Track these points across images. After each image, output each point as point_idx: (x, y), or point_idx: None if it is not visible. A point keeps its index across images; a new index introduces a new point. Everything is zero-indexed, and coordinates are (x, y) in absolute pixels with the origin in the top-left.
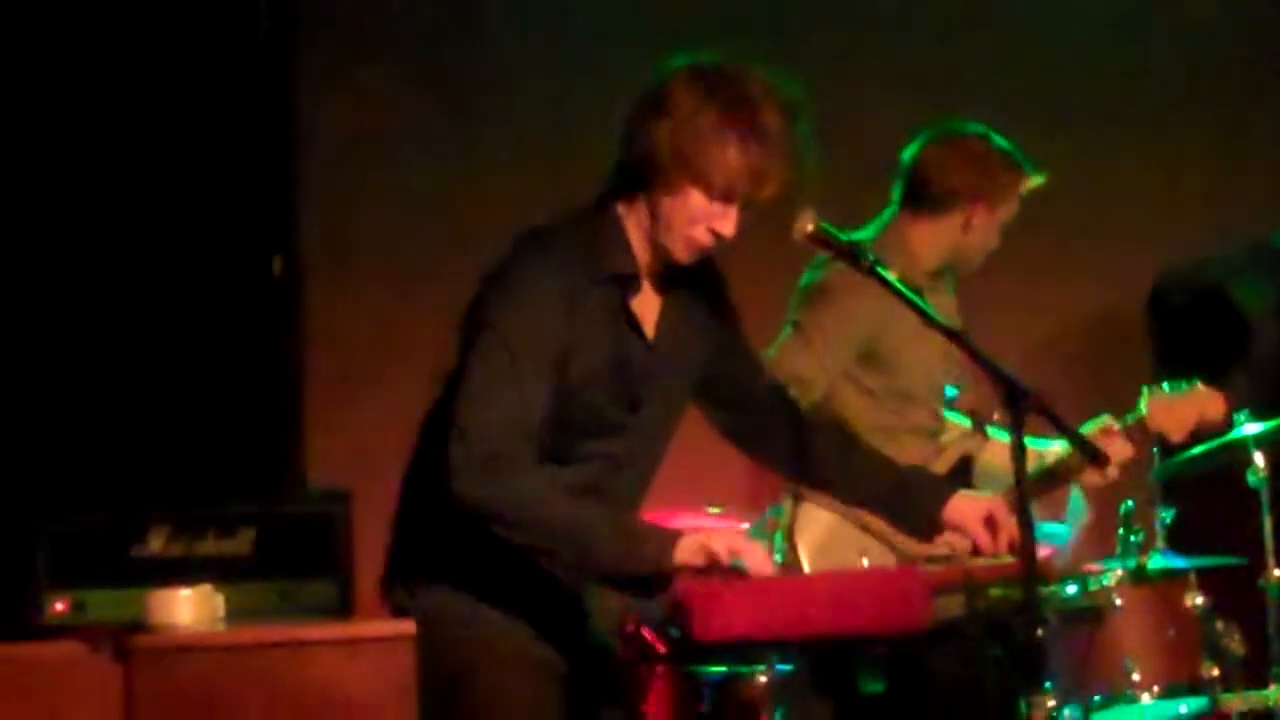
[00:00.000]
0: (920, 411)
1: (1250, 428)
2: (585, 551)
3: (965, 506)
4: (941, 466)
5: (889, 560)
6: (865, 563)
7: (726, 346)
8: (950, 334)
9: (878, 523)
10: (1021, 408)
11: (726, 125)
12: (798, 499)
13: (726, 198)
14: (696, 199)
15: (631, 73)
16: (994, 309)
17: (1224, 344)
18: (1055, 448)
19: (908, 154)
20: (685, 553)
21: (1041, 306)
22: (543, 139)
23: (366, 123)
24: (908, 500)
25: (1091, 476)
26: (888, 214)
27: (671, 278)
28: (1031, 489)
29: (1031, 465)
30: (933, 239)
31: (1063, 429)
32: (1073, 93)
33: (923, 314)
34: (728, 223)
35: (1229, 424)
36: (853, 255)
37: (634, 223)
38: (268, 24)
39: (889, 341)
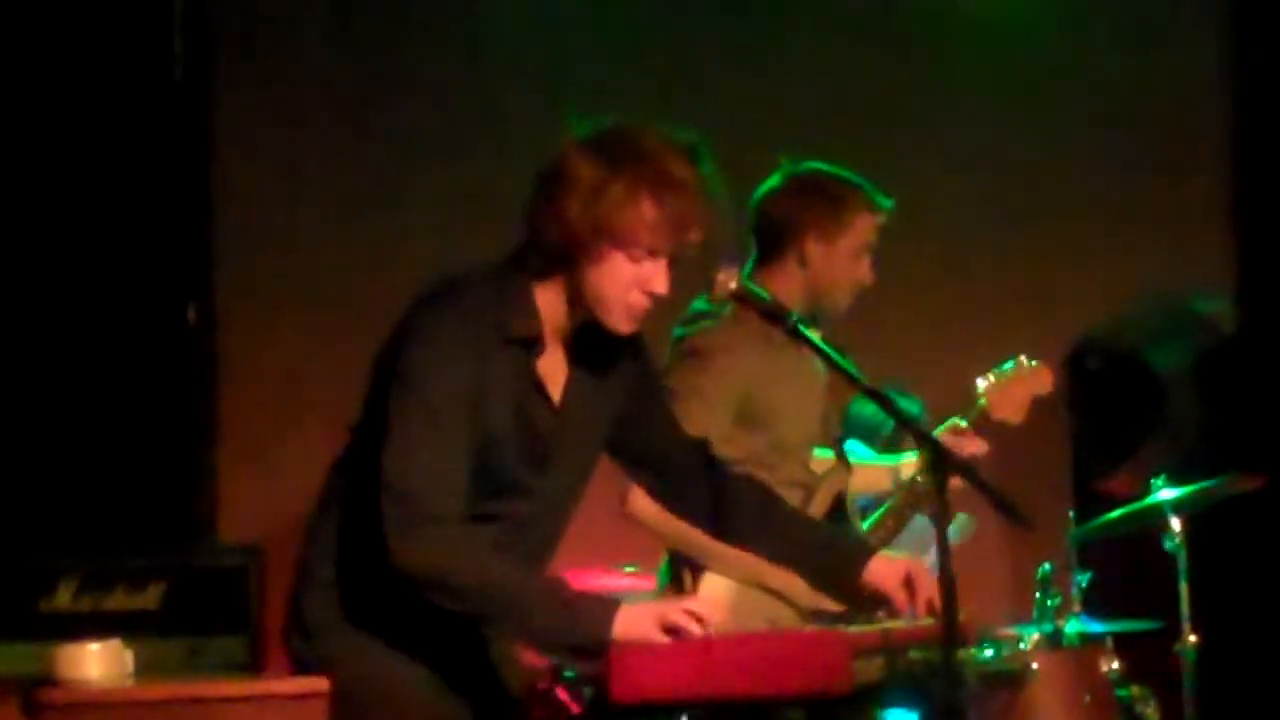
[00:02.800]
0: (793, 465)
1: (1166, 492)
2: (522, 622)
3: (884, 569)
4: (817, 510)
5: (794, 620)
6: (768, 626)
7: (641, 408)
8: (876, 396)
9: (777, 584)
10: (944, 468)
11: (636, 184)
12: (695, 571)
13: (654, 253)
14: (623, 264)
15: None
16: (913, 367)
17: (1140, 407)
18: (908, 461)
19: (751, 204)
20: (623, 628)
21: (960, 367)
22: (460, 192)
23: (282, 171)
24: (829, 561)
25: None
26: (745, 271)
27: (581, 341)
28: (903, 513)
29: (897, 485)
30: (785, 284)
31: (982, 488)
32: (1001, 158)
33: (848, 375)
34: (660, 279)
35: (1139, 483)
36: (775, 315)
37: (543, 290)
38: (184, 70)
39: (765, 397)
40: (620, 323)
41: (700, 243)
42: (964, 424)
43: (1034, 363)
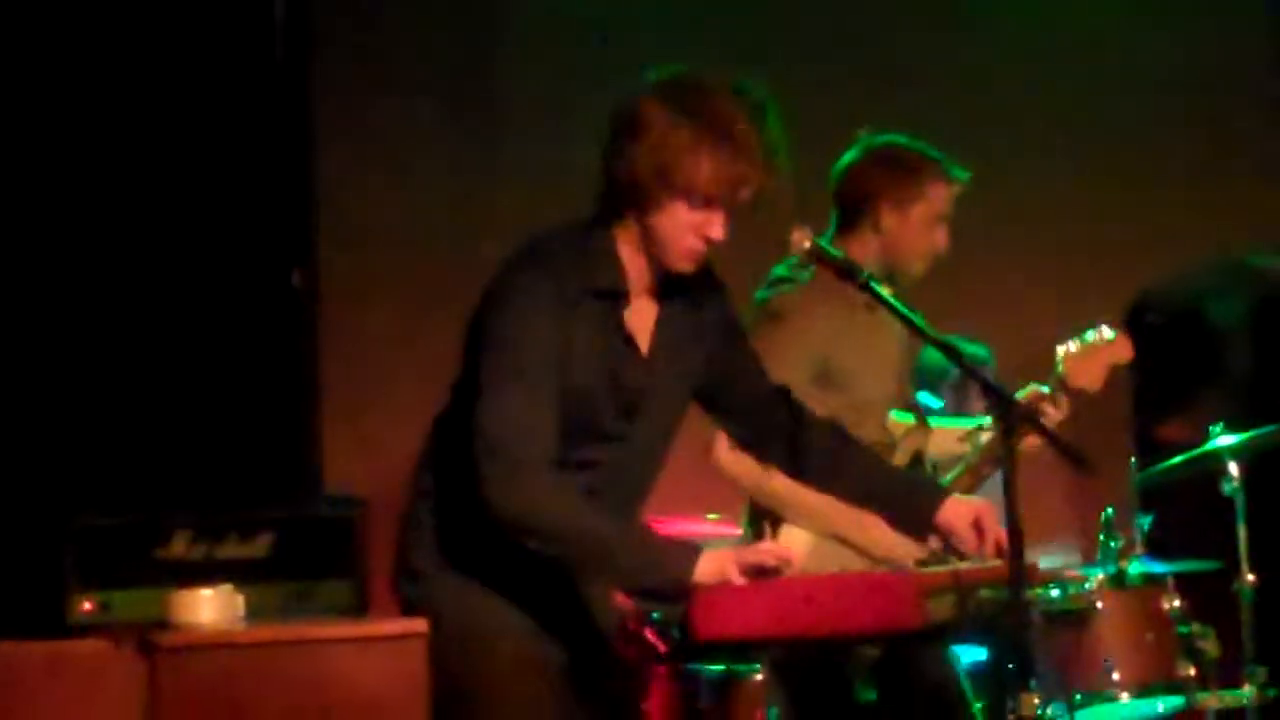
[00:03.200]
0: (871, 425)
1: (1225, 439)
2: (608, 564)
3: (957, 509)
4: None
5: (864, 567)
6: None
7: (726, 356)
8: (945, 348)
9: (852, 536)
10: (1012, 418)
11: (698, 136)
12: (775, 523)
13: (709, 204)
14: (682, 210)
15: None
16: (983, 324)
17: (1199, 360)
18: (988, 424)
19: (832, 175)
20: (704, 573)
21: (1028, 323)
22: (553, 158)
23: (382, 141)
24: (905, 501)
25: (1029, 449)
26: (825, 238)
27: (668, 292)
28: (980, 471)
29: (969, 446)
30: (861, 251)
31: (1049, 437)
32: (1064, 120)
33: (916, 328)
34: (716, 227)
35: (1198, 430)
36: (848, 271)
37: (625, 240)
38: (286, 43)
39: (841, 358)
40: (678, 262)
41: (757, 199)
42: (1045, 390)
43: (1113, 332)
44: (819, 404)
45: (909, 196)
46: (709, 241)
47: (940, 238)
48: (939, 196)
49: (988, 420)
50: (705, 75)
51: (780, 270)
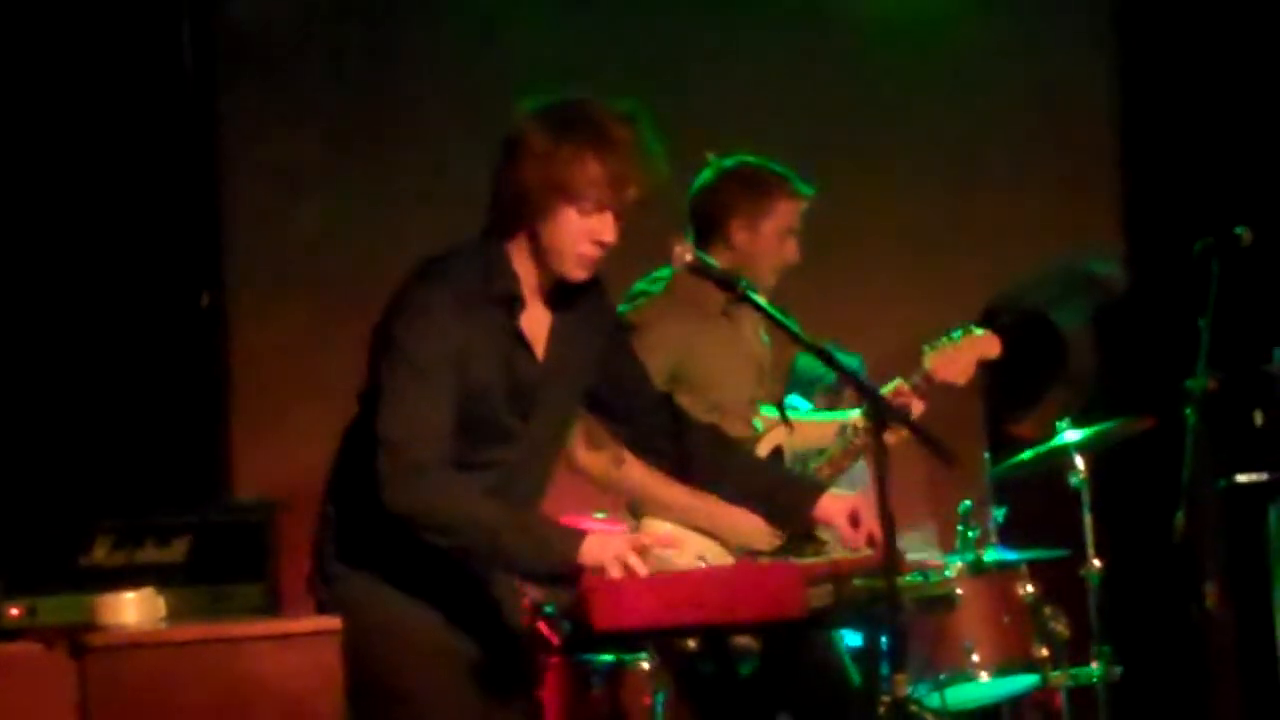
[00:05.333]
0: (734, 422)
1: (1071, 434)
2: (502, 553)
3: (833, 504)
4: None
5: (724, 555)
6: (703, 562)
7: (614, 361)
8: (818, 351)
9: (709, 525)
10: (882, 415)
11: (581, 144)
12: (637, 517)
13: (599, 208)
14: (573, 217)
15: None
16: (849, 327)
17: (1045, 359)
18: (854, 417)
19: (688, 196)
20: (589, 554)
21: (891, 323)
22: (450, 182)
23: (288, 162)
24: (784, 497)
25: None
26: None
27: (559, 299)
28: (840, 463)
29: (836, 439)
30: (718, 263)
31: (917, 432)
32: (917, 133)
33: (791, 333)
34: (607, 230)
35: (1045, 426)
36: (726, 282)
37: (518, 251)
38: (194, 72)
39: (694, 363)
40: (574, 269)
41: (641, 199)
42: (907, 384)
43: (981, 330)
44: None
45: (759, 213)
46: (601, 246)
47: (790, 250)
48: (787, 211)
49: (847, 415)
50: (577, 96)
51: (638, 286)
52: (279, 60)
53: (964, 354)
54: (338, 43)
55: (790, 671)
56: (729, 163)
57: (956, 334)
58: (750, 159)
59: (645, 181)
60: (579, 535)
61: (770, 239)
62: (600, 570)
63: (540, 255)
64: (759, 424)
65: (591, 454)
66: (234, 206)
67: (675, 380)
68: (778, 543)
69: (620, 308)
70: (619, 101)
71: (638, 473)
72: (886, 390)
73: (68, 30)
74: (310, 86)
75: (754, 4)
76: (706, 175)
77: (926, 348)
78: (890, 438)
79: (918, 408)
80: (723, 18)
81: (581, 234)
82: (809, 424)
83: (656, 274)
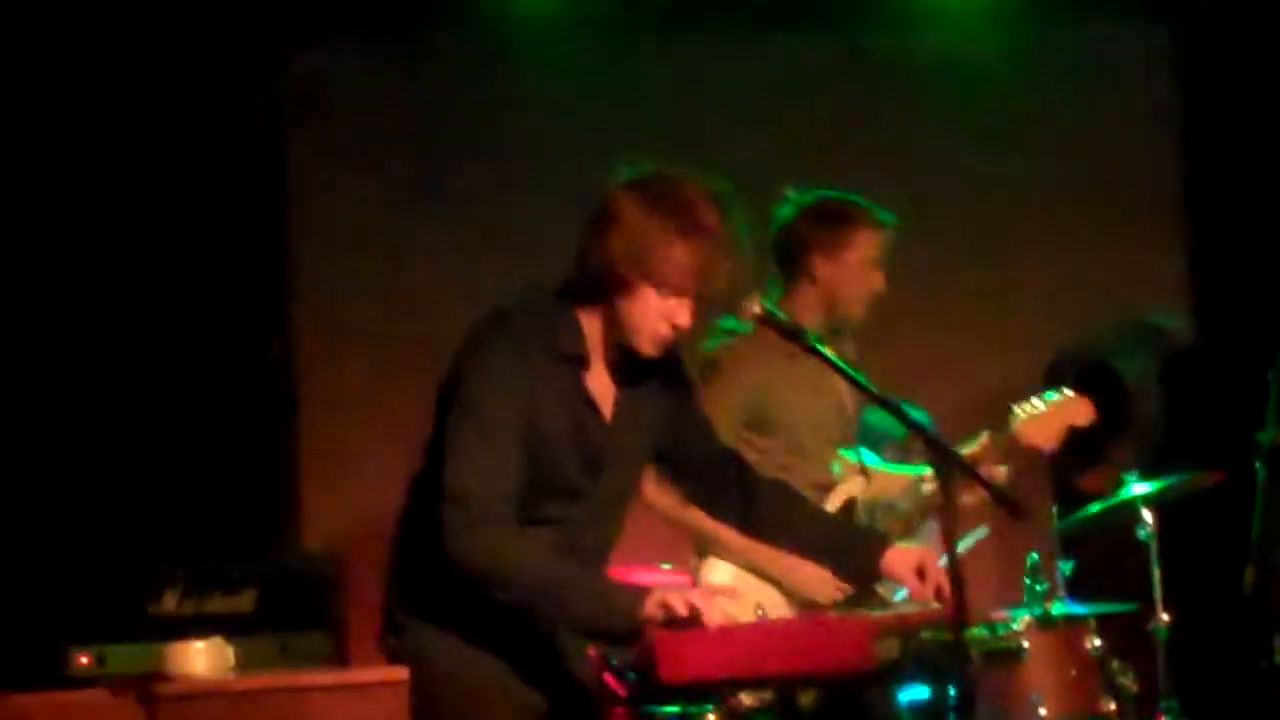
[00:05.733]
0: (812, 466)
1: (1139, 488)
2: (564, 610)
3: (900, 557)
4: (830, 508)
5: (783, 605)
6: (762, 610)
7: (682, 421)
8: (887, 404)
9: (772, 570)
10: (951, 470)
11: (671, 228)
12: (702, 555)
13: (680, 293)
14: (652, 297)
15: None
16: (908, 374)
17: (1111, 412)
18: (929, 475)
19: (769, 234)
20: (650, 608)
21: (957, 378)
22: (513, 234)
23: (353, 214)
24: (851, 550)
25: (966, 500)
26: (774, 293)
27: (626, 363)
28: (912, 520)
29: (910, 495)
30: (803, 301)
31: (984, 485)
32: (984, 186)
33: (859, 385)
34: (683, 315)
35: (1113, 481)
36: (794, 334)
37: (588, 316)
38: (262, 119)
39: (776, 405)
40: (647, 347)
41: (723, 289)
42: (989, 442)
43: (1073, 394)
44: (752, 447)
45: (840, 244)
46: (676, 329)
47: (875, 280)
48: (868, 241)
49: (925, 469)
50: (675, 169)
51: (725, 323)
52: (345, 113)
53: (1053, 419)
54: (403, 95)
55: None
56: (808, 197)
57: (1048, 396)
58: (829, 192)
59: (731, 272)
60: (642, 593)
61: (854, 270)
62: (664, 615)
63: (613, 326)
64: (836, 466)
65: (659, 491)
66: (301, 255)
67: (756, 420)
68: (838, 595)
69: (706, 344)
70: (713, 180)
71: (703, 513)
72: (969, 448)
73: (138, 83)
74: (376, 138)
75: (799, 50)
76: (785, 211)
77: (1015, 409)
78: (967, 498)
79: (999, 472)
80: (773, 68)
81: (658, 315)
82: (885, 475)
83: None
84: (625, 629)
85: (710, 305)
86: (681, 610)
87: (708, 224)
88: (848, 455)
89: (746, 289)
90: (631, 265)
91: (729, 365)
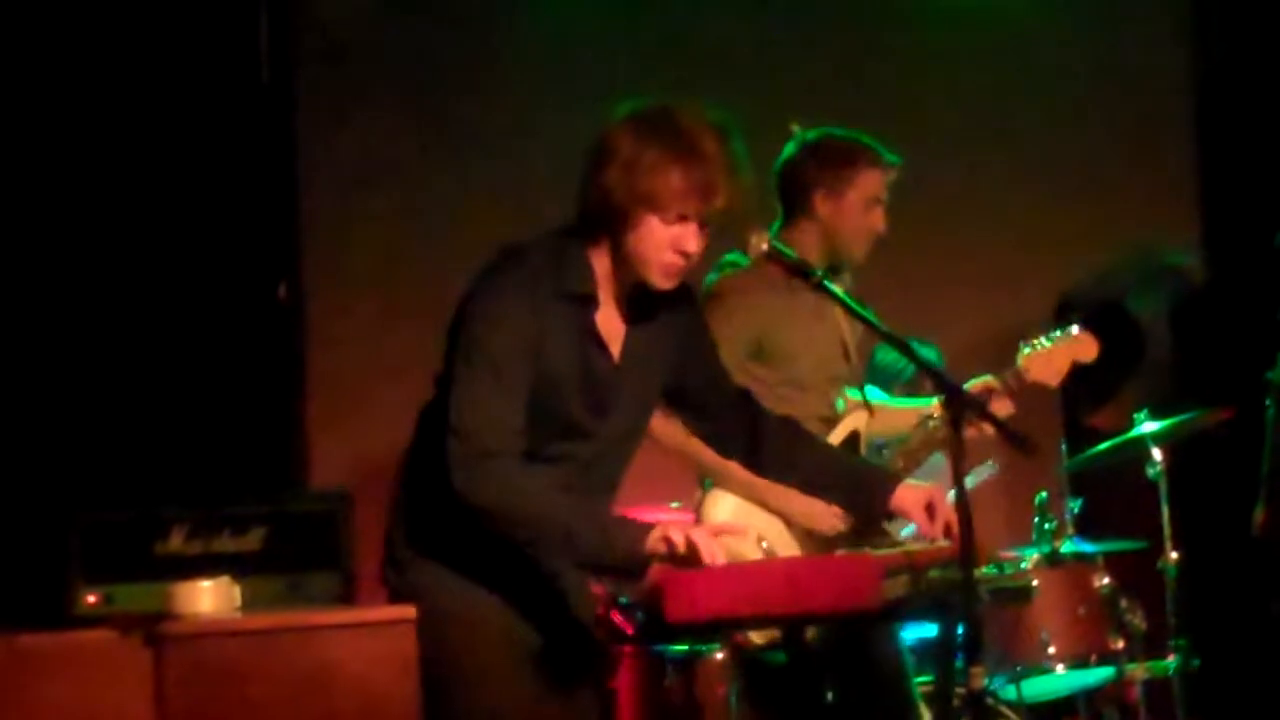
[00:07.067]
0: (813, 399)
1: (1149, 425)
2: (568, 542)
3: (909, 495)
4: (833, 442)
5: (786, 536)
6: (765, 543)
7: (693, 360)
8: (895, 341)
9: (775, 502)
10: (959, 406)
11: (668, 153)
12: (705, 487)
13: (683, 218)
14: (657, 226)
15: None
16: (927, 317)
17: (1122, 351)
18: (935, 404)
19: (772, 171)
20: (652, 542)
21: (970, 314)
22: (524, 177)
23: (362, 159)
24: (860, 489)
25: (970, 434)
26: (773, 230)
27: (637, 302)
28: (917, 455)
29: (916, 428)
30: (804, 239)
31: (993, 421)
32: (994, 121)
33: (867, 322)
34: (690, 240)
35: (1122, 418)
36: (801, 270)
37: (597, 254)
38: (272, 63)
39: (777, 337)
40: (659, 279)
41: (727, 211)
42: (996, 381)
43: (1078, 330)
44: (754, 378)
45: (841, 182)
46: (685, 255)
47: (876, 220)
48: (871, 181)
49: (928, 402)
50: (669, 101)
51: (730, 256)
52: (356, 56)
53: (1059, 355)
54: (414, 40)
55: (856, 667)
56: (812, 135)
57: (1055, 334)
58: (835, 130)
59: (731, 193)
60: (646, 528)
61: (855, 208)
62: (666, 549)
63: (622, 261)
64: (841, 403)
65: (665, 421)
66: (311, 199)
67: (757, 351)
68: (840, 526)
69: (709, 276)
70: (710, 109)
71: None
72: (975, 384)
73: (147, 27)
74: (387, 83)
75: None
76: (790, 148)
77: (1023, 346)
78: (971, 432)
79: (1006, 407)
80: (779, 11)
81: (664, 243)
82: (890, 410)
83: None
84: (628, 562)
85: (718, 230)
86: (680, 545)
87: (705, 148)
88: (853, 393)
89: (751, 212)
90: (632, 195)
91: (730, 296)
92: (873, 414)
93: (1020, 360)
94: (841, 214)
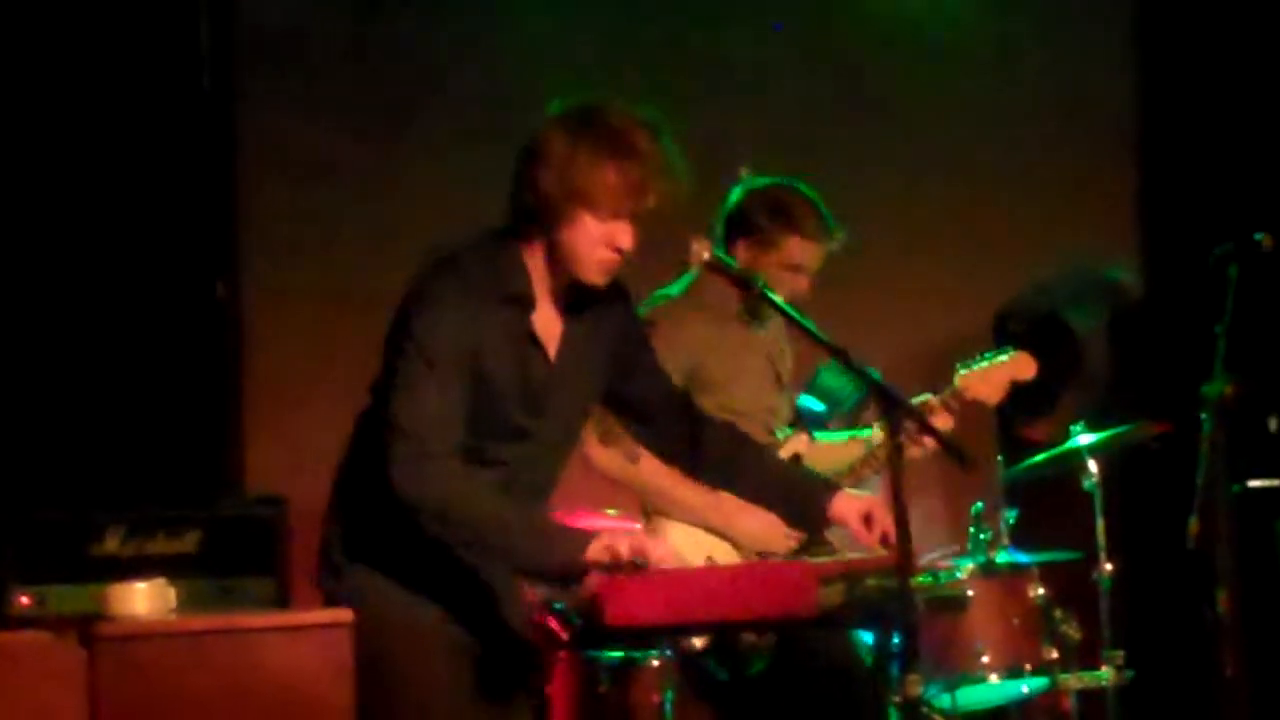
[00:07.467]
0: (751, 425)
1: (1084, 438)
2: (508, 548)
3: (848, 503)
4: None
5: (734, 557)
6: (711, 561)
7: (630, 362)
8: (834, 350)
9: (721, 524)
10: (899, 416)
11: (600, 151)
12: (648, 514)
13: (616, 215)
14: (590, 223)
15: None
16: (858, 324)
17: (1060, 364)
18: (876, 433)
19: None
20: (594, 551)
21: (905, 325)
22: (465, 176)
23: (301, 159)
24: (799, 496)
25: (912, 453)
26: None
27: (573, 302)
28: (860, 473)
29: (856, 458)
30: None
31: (932, 433)
32: (934, 135)
33: (808, 332)
34: (625, 236)
35: (1059, 430)
36: (743, 280)
37: (532, 254)
38: (211, 67)
39: (710, 365)
40: (593, 275)
41: (660, 207)
42: (935, 400)
43: (1015, 352)
44: None
45: (765, 242)
46: (619, 252)
47: (796, 284)
48: (796, 248)
49: (869, 432)
50: (600, 100)
51: (661, 291)
52: (296, 52)
53: (996, 374)
54: (355, 35)
55: (802, 671)
56: (760, 183)
57: (990, 355)
58: (783, 184)
59: (664, 191)
60: (587, 537)
61: (772, 270)
62: (609, 560)
63: (557, 259)
64: (781, 433)
65: (605, 450)
66: (249, 198)
67: (691, 380)
68: (792, 545)
69: (640, 308)
70: (640, 108)
71: (651, 470)
72: (914, 403)
73: (87, 22)
74: (327, 79)
75: (760, 5)
76: (735, 192)
77: (959, 366)
78: (914, 452)
79: (945, 422)
80: (725, 19)
81: (599, 240)
82: (832, 445)
83: (680, 279)
84: (567, 570)
85: (660, 237)
86: (627, 553)
87: (637, 145)
88: (788, 431)
89: (682, 210)
90: (566, 194)
91: (665, 326)
92: (814, 441)
93: (957, 380)
94: (756, 268)
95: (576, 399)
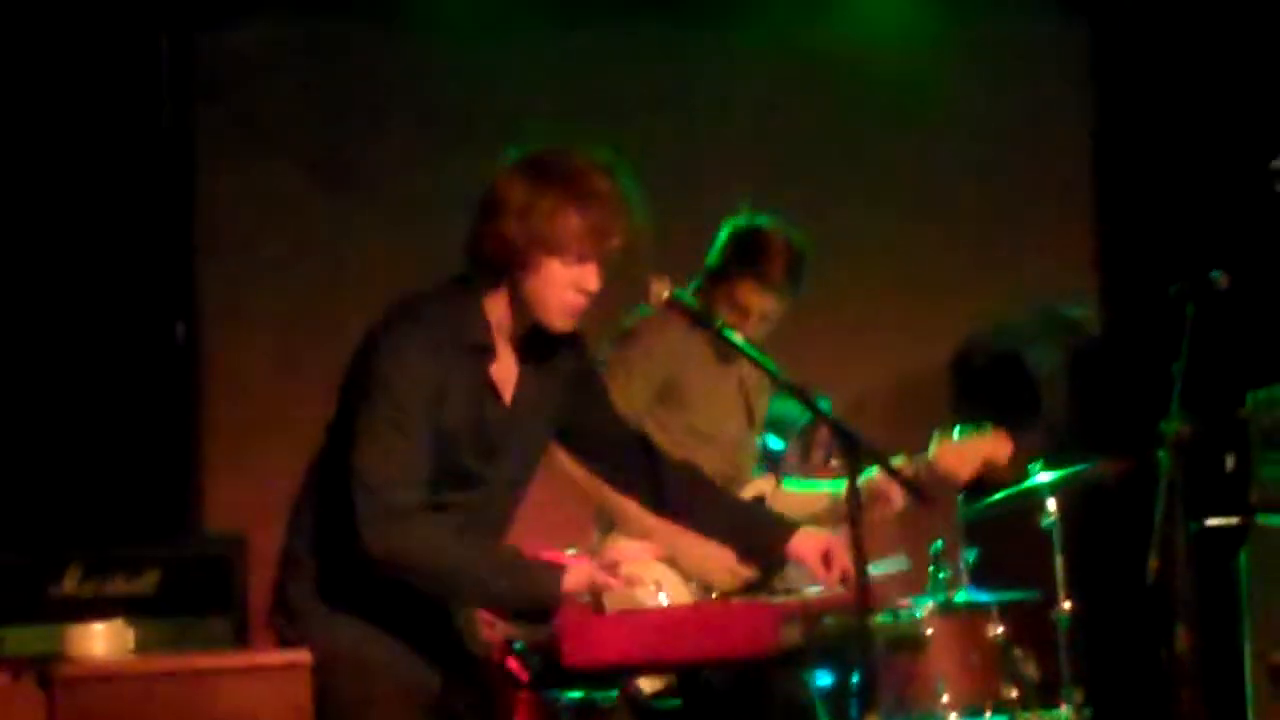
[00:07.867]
0: (711, 454)
1: (1043, 476)
2: (484, 592)
3: (806, 541)
4: None
5: (680, 587)
6: (654, 587)
7: (585, 402)
8: (792, 389)
9: (675, 552)
10: (856, 455)
11: (563, 196)
12: (605, 531)
13: (582, 258)
14: (557, 268)
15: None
16: (818, 361)
17: (1019, 402)
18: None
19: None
20: (570, 582)
21: (863, 360)
22: (421, 214)
23: (261, 201)
24: (758, 534)
25: (880, 512)
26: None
27: (529, 346)
28: (829, 521)
29: (822, 507)
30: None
31: (890, 472)
32: (895, 176)
33: (766, 369)
34: (591, 279)
35: (1017, 468)
36: (702, 319)
37: (491, 301)
38: (169, 99)
39: (684, 378)
40: (559, 321)
41: (623, 247)
42: (905, 464)
43: (992, 430)
44: (660, 422)
45: (723, 280)
46: (586, 295)
47: (748, 327)
48: (749, 292)
49: (841, 485)
50: (555, 146)
51: (642, 310)
52: (253, 92)
53: (972, 451)
54: (310, 74)
55: (759, 711)
56: (739, 224)
57: (969, 429)
58: (766, 229)
59: (627, 230)
60: (559, 569)
61: (722, 309)
62: (585, 594)
63: (520, 306)
64: (752, 472)
65: (575, 463)
66: (209, 240)
67: (665, 392)
68: (740, 577)
69: (624, 320)
70: (597, 150)
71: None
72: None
73: (44, 58)
74: (284, 118)
75: (724, 42)
76: (722, 234)
77: (937, 434)
78: (881, 511)
79: (896, 497)
80: (691, 54)
81: (566, 285)
82: (799, 494)
83: None
84: (545, 605)
85: (621, 277)
86: (602, 582)
87: (599, 188)
88: (758, 472)
89: (646, 249)
90: (531, 241)
91: (646, 334)
92: (778, 491)
93: (932, 450)
94: (712, 304)
95: (529, 443)
